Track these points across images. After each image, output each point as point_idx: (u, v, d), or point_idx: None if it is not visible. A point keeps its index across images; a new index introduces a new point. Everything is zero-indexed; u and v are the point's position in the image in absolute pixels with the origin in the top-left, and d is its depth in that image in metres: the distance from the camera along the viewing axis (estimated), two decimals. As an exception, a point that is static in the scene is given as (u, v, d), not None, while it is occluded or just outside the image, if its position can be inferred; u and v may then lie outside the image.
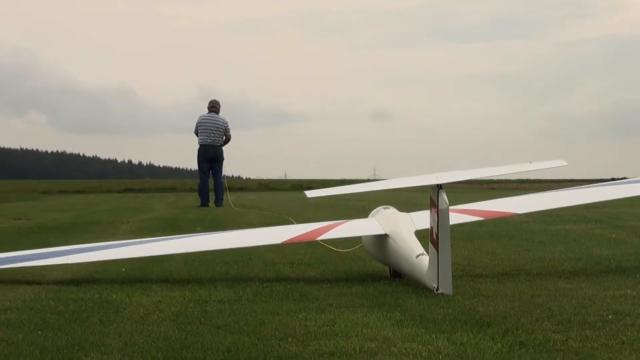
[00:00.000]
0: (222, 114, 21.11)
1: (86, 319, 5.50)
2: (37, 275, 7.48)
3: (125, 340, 4.82)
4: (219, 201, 20.80)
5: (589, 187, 9.33)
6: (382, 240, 7.37)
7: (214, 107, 21.01)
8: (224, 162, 21.03)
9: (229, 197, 21.15)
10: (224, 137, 20.86)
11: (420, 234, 7.15)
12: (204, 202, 20.85)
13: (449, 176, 6.58)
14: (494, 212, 8.61)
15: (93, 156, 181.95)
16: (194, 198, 24.10)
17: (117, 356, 4.47)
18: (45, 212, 19.56)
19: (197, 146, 20.91)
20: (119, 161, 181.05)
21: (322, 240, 8.19)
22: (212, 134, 20.69)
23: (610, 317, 5.36)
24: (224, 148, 20.98)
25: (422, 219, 7.26)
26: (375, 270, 7.88)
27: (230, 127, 20.94)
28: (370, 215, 7.94)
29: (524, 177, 56.43)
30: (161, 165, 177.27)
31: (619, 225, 12.71)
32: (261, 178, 70.80)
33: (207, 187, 21.03)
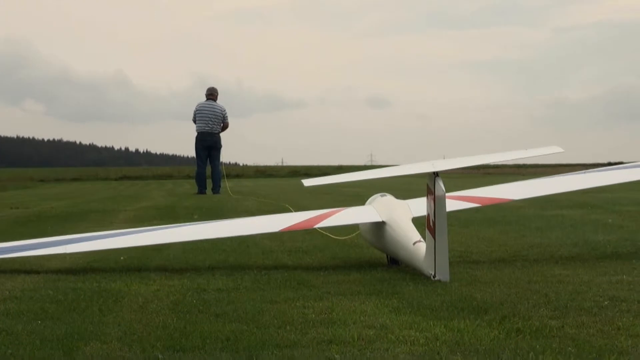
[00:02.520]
0: (220, 101, 21.12)
1: (85, 308, 5.51)
2: (36, 265, 7.50)
3: (125, 330, 4.84)
4: (216, 188, 20.82)
5: (585, 172, 9.34)
6: (379, 227, 7.40)
7: (212, 94, 21.01)
8: (222, 150, 21.07)
9: (226, 184, 21.15)
10: (222, 125, 20.88)
11: (417, 221, 7.18)
12: (202, 190, 20.88)
13: (445, 163, 6.60)
14: (490, 198, 8.62)
15: (90, 144, 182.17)
16: (191, 185, 24.10)
17: (117, 345, 4.49)
18: (43, 201, 19.57)
19: (195, 133, 20.93)
20: (115, 149, 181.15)
21: (319, 228, 8.20)
22: (210, 122, 20.70)
23: (606, 303, 5.38)
24: (222, 135, 21.00)
25: (419, 206, 7.28)
26: (373, 258, 7.90)
27: (228, 114, 20.97)
28: (367, 203, 7.96)
29: (520, 162, 56.44)
30: (158, 153, 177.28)
31: (615, 210, 12.75)
32: (258, 165, 70.82)
33: (205, 174, 21.06)
